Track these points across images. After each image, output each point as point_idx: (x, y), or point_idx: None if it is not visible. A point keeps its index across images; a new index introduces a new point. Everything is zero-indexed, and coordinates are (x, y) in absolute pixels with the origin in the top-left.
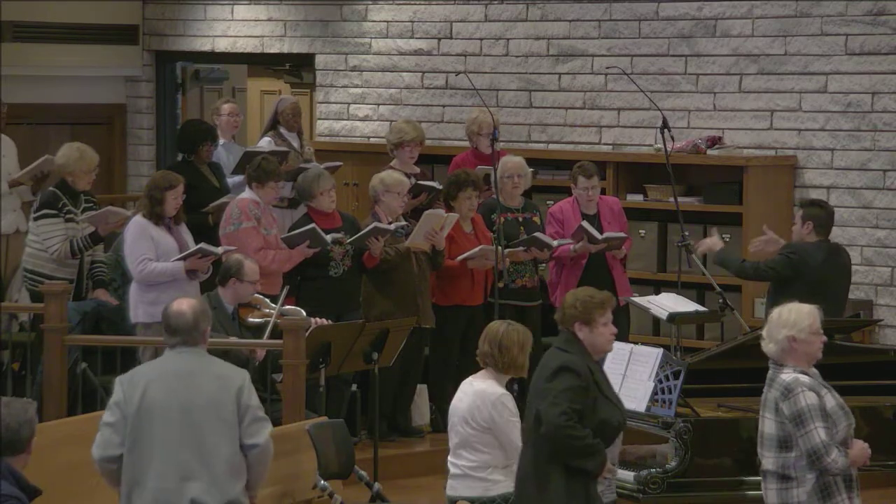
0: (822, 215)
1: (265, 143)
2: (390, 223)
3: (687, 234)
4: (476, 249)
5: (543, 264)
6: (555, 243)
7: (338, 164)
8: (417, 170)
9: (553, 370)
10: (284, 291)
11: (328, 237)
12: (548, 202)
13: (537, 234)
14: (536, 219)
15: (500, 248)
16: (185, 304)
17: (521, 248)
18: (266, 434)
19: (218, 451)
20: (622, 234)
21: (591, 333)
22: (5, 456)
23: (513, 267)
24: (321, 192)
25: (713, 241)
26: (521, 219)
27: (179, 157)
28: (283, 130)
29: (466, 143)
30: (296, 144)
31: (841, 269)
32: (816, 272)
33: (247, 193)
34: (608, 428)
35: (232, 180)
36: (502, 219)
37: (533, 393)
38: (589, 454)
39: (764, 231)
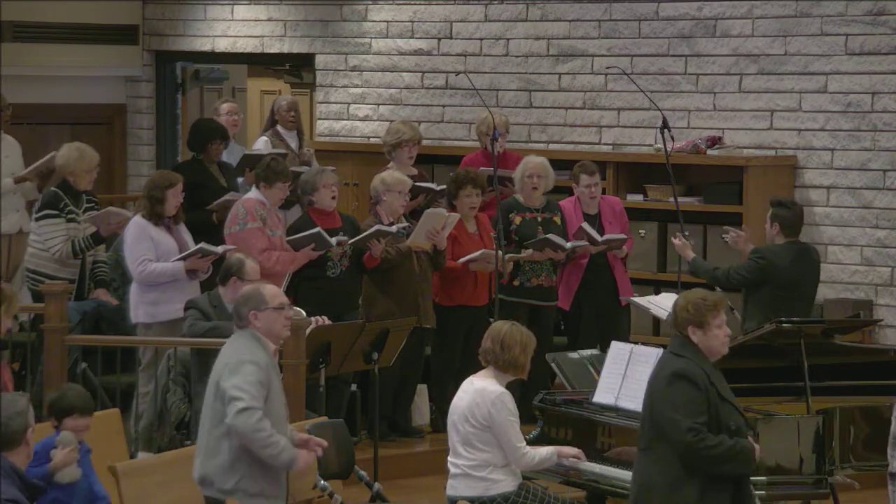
0: (788, 216)
1: (262, 144)
2: (391, 223)
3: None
4: (478, 253)
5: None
6: (568, 245)
7: (331, 168)
8: (415, 171)
9: (668, 377)
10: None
11: (333, 240)
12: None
13: (549, 236)
14: (557, 219)
15: (500, 251)
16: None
17: (528, 251)
18: (232, 412)
19: (204, 426)
20: (622, 236)
21: (706, 336)
22: (3, 451)
23: (528, 266)
24: (324, 185)
25: (683, 248)
26: (539, 219)
27: (188, 156)
28: (281, 130)
29: (466, 143)
30: (294, 145)
31: (810, 269)
32: (785, 275)
33: (253, 193)
34: (731, 431)
35: None
36: (519, 218)
37: (649, 395)
38: (732, 456)
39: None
